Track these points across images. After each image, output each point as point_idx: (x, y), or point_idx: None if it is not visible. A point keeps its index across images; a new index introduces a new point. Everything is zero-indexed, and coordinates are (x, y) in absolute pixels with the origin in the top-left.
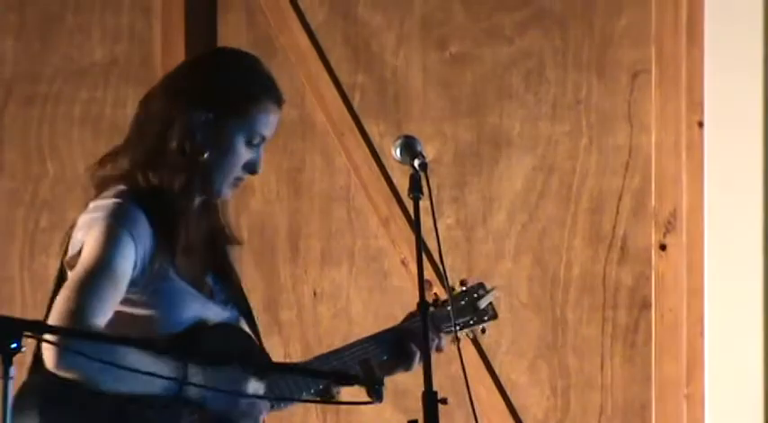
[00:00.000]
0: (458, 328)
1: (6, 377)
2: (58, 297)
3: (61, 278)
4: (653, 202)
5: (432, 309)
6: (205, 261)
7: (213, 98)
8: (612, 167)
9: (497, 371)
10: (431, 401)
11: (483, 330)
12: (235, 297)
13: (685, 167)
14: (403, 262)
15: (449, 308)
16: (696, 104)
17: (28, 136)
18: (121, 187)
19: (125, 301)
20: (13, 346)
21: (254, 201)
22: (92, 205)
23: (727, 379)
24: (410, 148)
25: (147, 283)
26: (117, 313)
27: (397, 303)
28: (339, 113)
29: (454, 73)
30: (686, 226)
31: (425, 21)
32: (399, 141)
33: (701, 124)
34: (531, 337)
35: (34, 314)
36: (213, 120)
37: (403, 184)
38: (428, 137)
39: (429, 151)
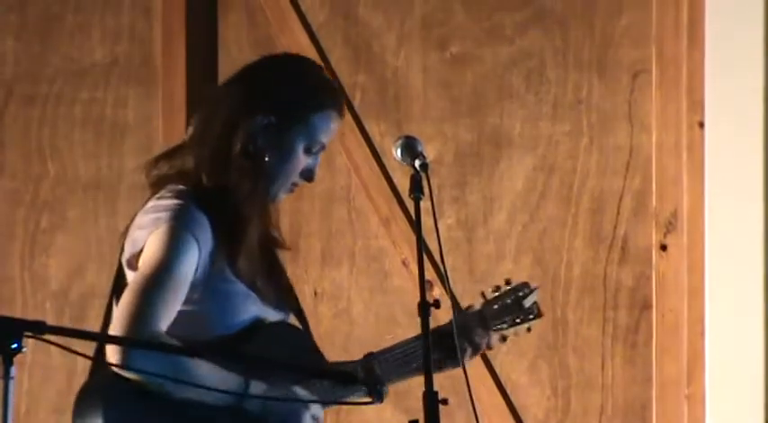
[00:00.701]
0: (505, 326)
1: (7, 377)
2: (121, 300)
3: (119, 276)
4: (653, 203)
5: (476, 307)
6: (259, 263)
7: (277, 104)
8: (613, 168)
9: (498, 371)
10: (431, 402)
11: (529, 329)
12: (286, 299)
13: (686, 168)
14: (404, 262)
15: (496, 306)
16: (697, 104)
17: (28, 136)
18: (181, 187)
19: (185, 302)
20: (14, 346)
21: None
22: (151, 204)
23: (728, 379)
24: (411, 148)
25: (206, 284)
26: (178, 314)
27: (398, 303)
28: None
29: (455, 73)
30: (687, 226)
31: (426, 21)
32: (400, 141)
33: (701, 124)
34: (531, 338)
35: (35, 314)
36: (275, 125)
37: (404, 185)
38: (429, 137)
39: (430, 151)
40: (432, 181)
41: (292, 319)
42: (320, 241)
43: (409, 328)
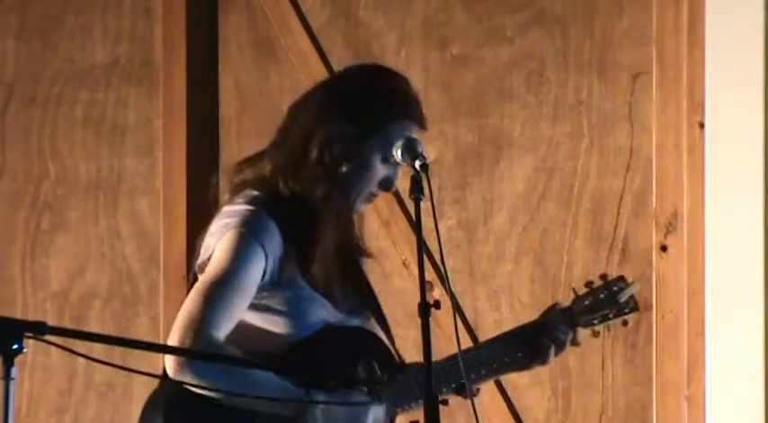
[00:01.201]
0: (595, 321)
1: (8, 378)
2: (183, 305)
3: (194, 282)
4: (654, 203)
5: (563, 304)
6: (335, 271)
7: (355, 114)
8: (613, 168)
9: None
10: (431, 402)
11: (625, 323)
12: (366, 307)
13: (686, 168)
14: (404, 263)
15: (587, 302)
16: (697, 105)
17: (29, 137)
18: (255, 193)
19: (252, 307)
20: (15, 347)
21: None
22: (225, 209)
23: (728, 380)
24: (411, 149)
25: (276, 290)
26: (244, 319)
27: (399, 304)
28: None
29: (455, 74)
30: (687, 227)
31: (426, 22)
32: (400, 142)
33: (701, 125)
34: None
35: (35, 315)
36: (354, 135)
37: (404, 185)
38: (429, 138)
39: (430, 152)
40: (432, 182)
41: (372, 326)
42: None
43: (410, 329)
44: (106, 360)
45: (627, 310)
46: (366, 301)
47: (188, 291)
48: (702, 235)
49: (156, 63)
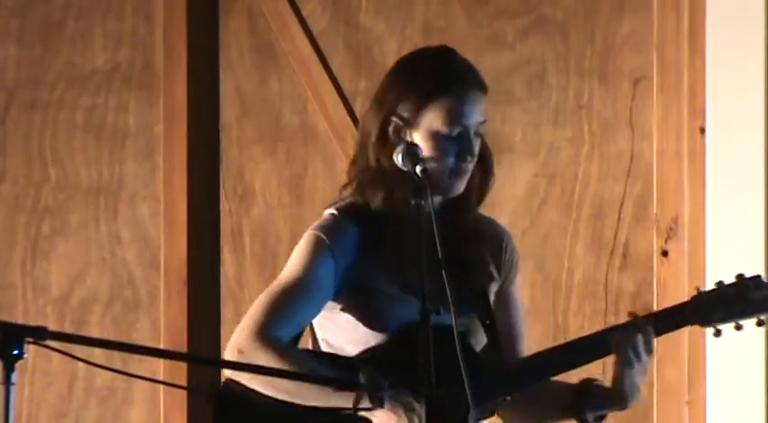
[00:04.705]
0: (719, 319)
1: (8, 383)
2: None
3: None
4: (654, 209)
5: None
6: (424, 269)
7: (401, 99)
8: (614, 174)
9: None
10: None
11: (760, 323)
12: (469, 304)
13: (687, 174)
14: None
15: (707, 299)
16: (698, 111)
17: (30, 142)
18: (346, 201)
19: (330, 308)
20: (15, 352)
21: (255, 207)
22: None
23: (729, 385)
24: (412, 154)
25: (351, 291)
26: (324, 319)
27: None
28: (341, 120)
29: None
30: (688, 232)
31: (427, 27)
32: (401, 147)
33: (702, 130)
34: (532, 343)
35: (36, 320)
36: (404, 121)
37: None
38: None
39: None
40: None
41: (471, 325)
42: None
43: None
44: (107, 365)
45: (761, 309)
46: (468, 299)
47: (189, 296)
48: (703, 240)
49: (156, 68)
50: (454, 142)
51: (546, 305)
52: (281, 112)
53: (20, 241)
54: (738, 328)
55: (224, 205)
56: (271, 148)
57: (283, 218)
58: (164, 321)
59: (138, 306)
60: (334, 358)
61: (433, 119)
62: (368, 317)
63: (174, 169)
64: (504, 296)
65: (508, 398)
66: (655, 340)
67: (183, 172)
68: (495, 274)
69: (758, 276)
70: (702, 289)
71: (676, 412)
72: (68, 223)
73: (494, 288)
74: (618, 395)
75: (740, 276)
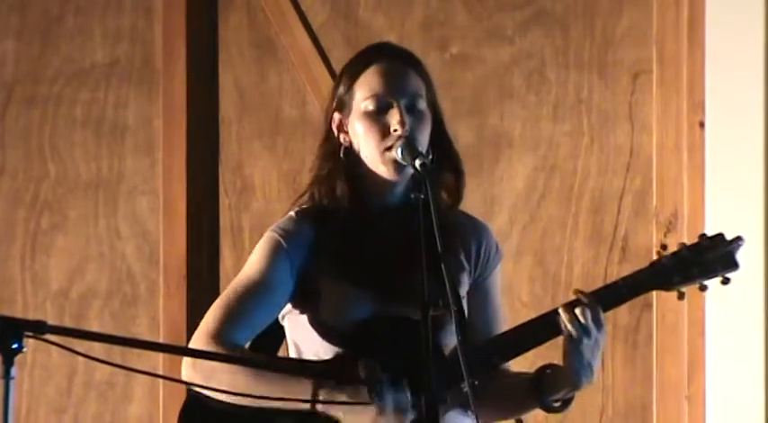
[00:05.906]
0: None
1: (7, 377)
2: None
3: None
4: (654, 203)
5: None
6: (383, 263)
7: (336, 90)
8: (614, 168)
9: None
10: (431, 402)
11: (725, 281)
12: (440, 295)
13: (686, 168)
14: None
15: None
16: (697, 105)
17: (29, 137)
18: (306, 204)
19: (293, 307)
20: (14, 346)
21: (255, 201)
22: None
23: (728, 380)
24: (412, 148)
25: (310, 289)
26: (289, 321)
27: None
28: None
29: (455, 73)
30: (687, 226)
31: (426, 21)
32: (401, 142)
33: (702, 124)
34: None
35: (35, 315)
36: (341, 111)
37: None
38: None
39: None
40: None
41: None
42: None
43: None
44: (106, 359)
45: (719, 269)
46: (437, 290)
47: (188, 291)
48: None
49: (156, 63)
50: (385, 116)
51: (545, 299)
52: (280, 107)
53: (19, 236)
54: (703, 288)
55: (223, 200)
56: (270, 142)
57: (282, 212)
58: (163, 316)
59: (137, 300)
60: (298, 361)
61: (359, 99)
62: (325, 314)
63: (174, 164)
64: (482, 290)
65: (476, 382)
66: (602, 314)
67: (182, 167)
68: (465, 263)
69: (719, 235)
70: (664, 253)
71: (676, 407)
72: (68, 218)
73: (465, 278)
74: (570, 373)
75: (701, 236)
